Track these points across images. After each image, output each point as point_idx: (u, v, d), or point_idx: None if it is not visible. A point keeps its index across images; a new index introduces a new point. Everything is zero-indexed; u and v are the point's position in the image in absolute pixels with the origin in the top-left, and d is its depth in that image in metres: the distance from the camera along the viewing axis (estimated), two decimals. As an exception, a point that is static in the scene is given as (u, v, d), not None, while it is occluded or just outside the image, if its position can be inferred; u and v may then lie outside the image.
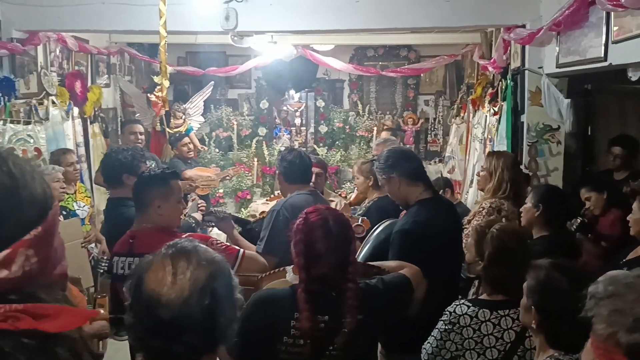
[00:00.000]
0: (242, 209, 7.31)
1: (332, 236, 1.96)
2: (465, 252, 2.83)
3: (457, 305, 2.37)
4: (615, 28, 3.23)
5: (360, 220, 3.27)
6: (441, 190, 4.57)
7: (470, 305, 2.35)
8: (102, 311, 2.55)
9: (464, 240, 3.35)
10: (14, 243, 0.80)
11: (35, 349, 0.77)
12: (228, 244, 2.85)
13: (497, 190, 3.55)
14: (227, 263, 1.33)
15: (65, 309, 0.84)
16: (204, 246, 1.32)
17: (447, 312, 2.35)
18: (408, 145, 7.61)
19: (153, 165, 4.67)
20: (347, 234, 2.04)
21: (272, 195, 5.05)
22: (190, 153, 6.02)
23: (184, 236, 2.53)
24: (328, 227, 1.99)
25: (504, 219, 3.15)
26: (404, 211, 2.98)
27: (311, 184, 3.75)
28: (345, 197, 6.10)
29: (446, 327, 2.32)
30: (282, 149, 7.12)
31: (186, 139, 6.05)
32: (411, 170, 2.81)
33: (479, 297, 2.48)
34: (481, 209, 3.48)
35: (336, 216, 2.08)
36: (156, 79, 4.64)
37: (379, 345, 2.85)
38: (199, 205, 4.28)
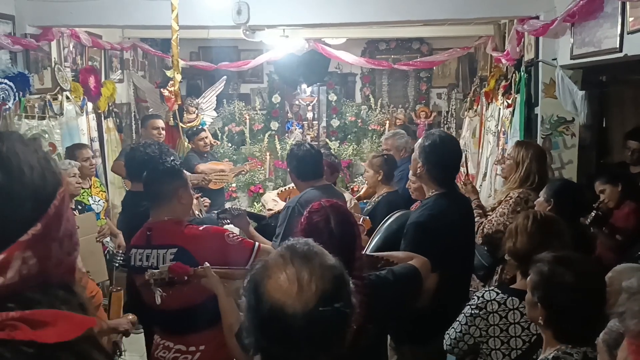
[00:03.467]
0: (255, 203, 7.35)
1: (334, 237, 1.93)
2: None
3: (487, 291, 2.35)
4: (631, 19, 3.19)
5: (361, 220, 3.26)
6: None
7: (500, 292, 2.32)
8: (130, 317, 2.59)
9: (487, 226, 3.35)
10: (9, 246, 0.73)
11: (36, 356, 0.73)
12: (243, 237, 2.86)
13: (525, 181, 3.52)
14: (339, 266, 1.29)
15: (63, 315, 0.77)
16: (319, 247, 1.29)
17: (475, 297, 2.34)
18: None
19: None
20: (351, 231, 2.01)
21: (284, 189, 5.04)
22: (207, 147, 6.05)
23: (200, 228, 2.58)
24: (330, 228, 1.97)
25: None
26: (416, 203, 2.97)
27: None
28: (358, 190, 6.10)
29: (472, 312, 2.30)
30: (294, 143, 7.15)
31: (203, 133, 6.06)
32: (439, 175, 2.73)
33: (510, 286, 2.44)
34: (509, 198, 3.46)
35: (339, 215, 2.05)
36: (168, 73, 4.67)
37: (388, 338, 2.86)
38: (204, 203, 4.30)
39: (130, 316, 2.51)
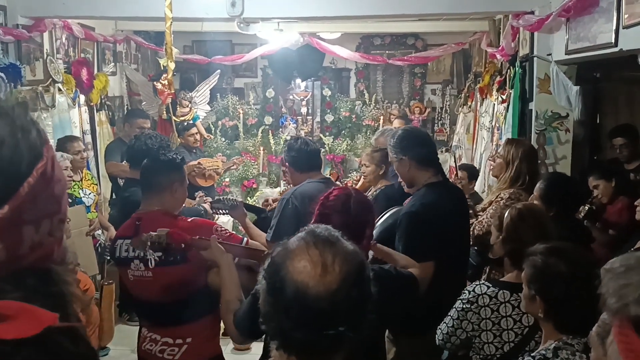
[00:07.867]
0: (248, 198, 7.32)
1: (349, 217, 1.98)
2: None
3: (477, 284, 2.35)
4: (626, 15, 3.19)
5: None
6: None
7: (490, 285, 2.32)
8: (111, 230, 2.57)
9: (478, 228, 3.34)
10: None
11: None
12: (233, 232, 2.85)
13: (515, 181, 3.49)
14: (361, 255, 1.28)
15: (26, 309, 0.70)
16: (339, 234, 1.29)
17: (466, 291, 2.34)
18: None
19: None
20: (361, 220, 2.05)
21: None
22: (196, 143, 6.03)
23: (189, 220, 2.55)
24: (347, 208, 2.01)
25: None
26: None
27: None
28: (352, 185, 6.09)
29: (464, 306, 2.30)
30: (288, 137, 7.13)
31: (193, 129, 6.04)
32: (423, 155, 2.79)
33: (500, 279, 2.45)
34: (499, 199, 3.44)
35: (357, 200, 2.09)
36: (162, 61, 4.62)
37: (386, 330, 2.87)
38: (205, 200, 4.28)
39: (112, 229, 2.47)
